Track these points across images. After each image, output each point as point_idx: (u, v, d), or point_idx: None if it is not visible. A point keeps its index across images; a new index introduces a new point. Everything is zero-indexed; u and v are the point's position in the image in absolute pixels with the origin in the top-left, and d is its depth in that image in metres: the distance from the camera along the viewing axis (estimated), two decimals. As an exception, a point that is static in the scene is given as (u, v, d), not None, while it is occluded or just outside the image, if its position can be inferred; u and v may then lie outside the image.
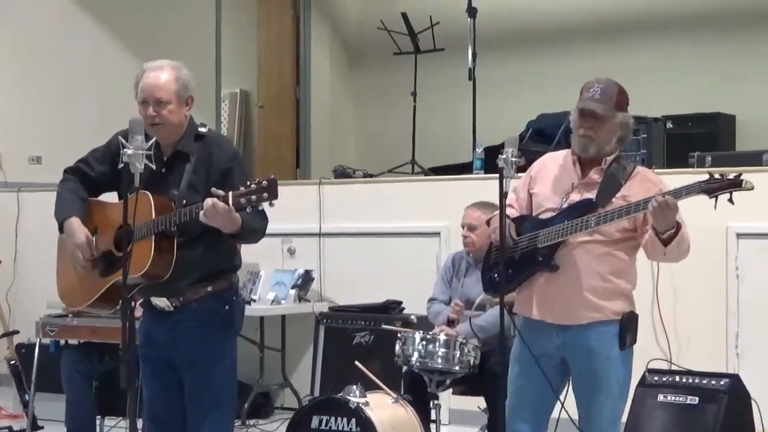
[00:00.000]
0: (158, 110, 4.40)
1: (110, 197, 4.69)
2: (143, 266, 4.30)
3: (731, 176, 4.17)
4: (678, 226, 4.31)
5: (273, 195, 4.09)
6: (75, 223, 4.51)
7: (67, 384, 6.44)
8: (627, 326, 4.50)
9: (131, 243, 4.12)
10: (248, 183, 4.14)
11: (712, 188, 4.15)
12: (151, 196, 4.33)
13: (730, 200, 4.15)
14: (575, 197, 4.52)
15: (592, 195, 4.49)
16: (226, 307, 4.54)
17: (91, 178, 4.64)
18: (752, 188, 4.14)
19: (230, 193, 4.13)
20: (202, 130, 4.53)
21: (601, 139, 4.51)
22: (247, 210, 4.14)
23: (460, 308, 6.17)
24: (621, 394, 4.60)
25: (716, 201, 4.17)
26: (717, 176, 4.18)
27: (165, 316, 4.55)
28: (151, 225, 4.31)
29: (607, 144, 4.53)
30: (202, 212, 4.19)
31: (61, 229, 4.57)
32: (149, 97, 4.41)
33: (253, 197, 4.10)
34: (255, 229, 4.39)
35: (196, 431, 4.55)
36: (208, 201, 4.16)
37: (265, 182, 4.10)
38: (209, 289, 4.49)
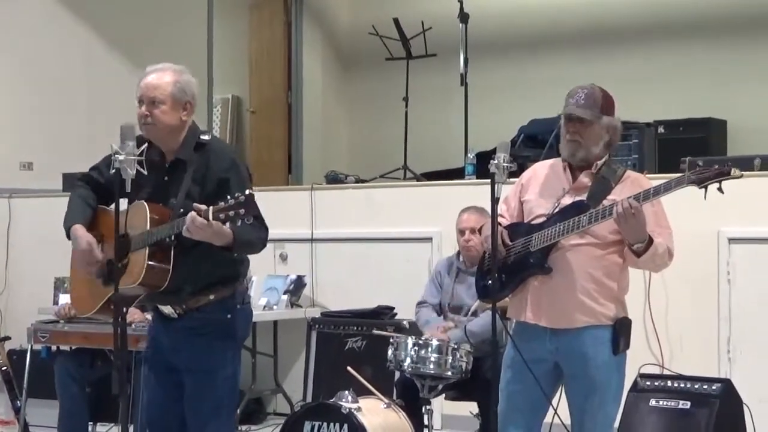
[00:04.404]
0: (151, 109, 4.40)
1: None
2: (138, 277, 4.31)
3: (719, 166, 4.20)
4: (650, 241, 4.33)
5: (249, 210, 4.07)
6: (79, 230, 4.51)
7: (60, 390, 6.42)
8: (620, 331, 4.51)
9: (127, 253, 4.20)
10: (228, 198, 4.11)
11: (701, 178, 4.18)
12: (147, 205, 4.35)
13: (720, 189, 4.17)
14: (567, 201, 4.53)
15: (583, 198, 4.50)
16: (228, 316, 4.54)
17: (101, 184, 4.63)
18: (741, 176, 4.17)
19: (210, 208, 4.11)
20: (204, 138, 4.52)
21: (588, 143, 4.54)
22: (226, 225, 4.11)
23: (447, 330, 6.18)
24: (614, 400, 4.61)
25: (706, 191, 4.18)
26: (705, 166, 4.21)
27: (170, 321, 4.58)
28: (145, 237, 4.32)
29: (594, 147, 4.55)
30: (184, 227, 4.18)
31: (68, 236, 4.58)
32: (144, 95, 4.43)
33: (231, 213, 4.07)
34: (250, 240, 4.38)
35: None
36: (188, 217, 4.16)
37: (242, 198, 4.08)
38: (211, 297, 4.50)
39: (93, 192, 4.64)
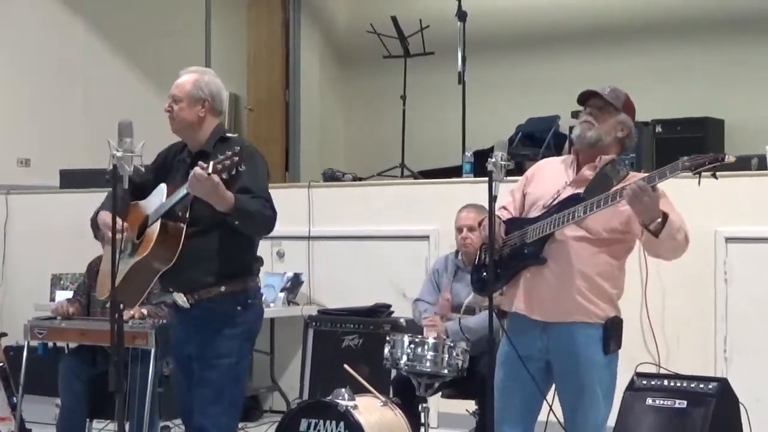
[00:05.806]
0: (172, 105, 4.77)
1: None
2: (147, 247, 4.57)
3: (711, 153, 4.22)
4: (665, 216, 4.32)
5: (241, 159, 4.36)
6: (102, 212, 4.78)
7: (64, 389, 6.39)
8: (611, 331, 4.49)
9: (144, 229, 4.60)
10: (227, 152, 4.39)
11: (696, 164, 4.18)
12: (165, 186, 4.67)
13: (714, 175, 4.17)
14: (566, 194, 4.53)
15: (581, 191, 4.49)
16: (238, 308, 4.72)
17: (136, 183, 4.82)
18: (734, 161, 4.18)
19: (211, 162, 4.37)
20: (229, 135, 4.84)
21: (601, 128, 4.54)
22: (223, 176, 4.36)
23: (449, 303, 6.17)
24: (606, 399, 4.59)
25: (700, 177, 4.19)
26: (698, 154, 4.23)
27: (183, 312, 4.77)
28: (158, 209, 4.61)
29: (606, 135, 4.55)
30: (187, 184, 4.43)
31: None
32: (170, 93, 4.81)
33: (227, 162, 4.36)
34: (251, 211, 4.55)
35: (198, 423, 4.72)
36: (191, 173, 4.41)
37: (237, 149, 4.40)
38: (222, 289, 4.69)
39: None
